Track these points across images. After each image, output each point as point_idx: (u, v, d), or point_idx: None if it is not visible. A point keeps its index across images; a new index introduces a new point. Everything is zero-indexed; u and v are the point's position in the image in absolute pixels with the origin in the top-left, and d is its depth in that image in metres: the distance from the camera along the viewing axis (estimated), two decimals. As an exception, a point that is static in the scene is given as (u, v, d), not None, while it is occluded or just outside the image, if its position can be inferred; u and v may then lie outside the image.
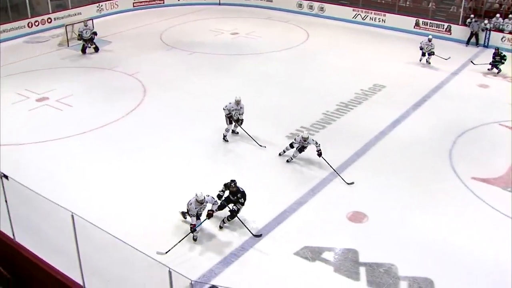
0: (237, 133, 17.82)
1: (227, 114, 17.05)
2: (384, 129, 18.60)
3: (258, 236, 12.62)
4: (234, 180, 12.76)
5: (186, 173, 15.58)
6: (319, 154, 15.61)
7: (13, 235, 11.37)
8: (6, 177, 10.71)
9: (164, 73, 23.97)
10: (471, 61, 25.47)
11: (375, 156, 16.90)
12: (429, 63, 25.22)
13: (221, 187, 12.94)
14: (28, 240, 11.40)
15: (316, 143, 15.60)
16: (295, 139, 15.93)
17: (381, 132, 18.35)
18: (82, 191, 14.53)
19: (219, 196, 12.85)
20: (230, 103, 16.98)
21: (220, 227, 13.02)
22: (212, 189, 12.96)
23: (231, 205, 12.92)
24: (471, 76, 24.18)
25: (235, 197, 12.80)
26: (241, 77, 23.75)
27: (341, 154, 16.74)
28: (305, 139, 15.52)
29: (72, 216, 8.98)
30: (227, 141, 17.51)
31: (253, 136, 17.29)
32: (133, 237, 9.67)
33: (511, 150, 17.12)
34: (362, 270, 11.82)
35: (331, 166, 15.44)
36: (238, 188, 12.76)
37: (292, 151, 16.20)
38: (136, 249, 9.36)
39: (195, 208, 12.30)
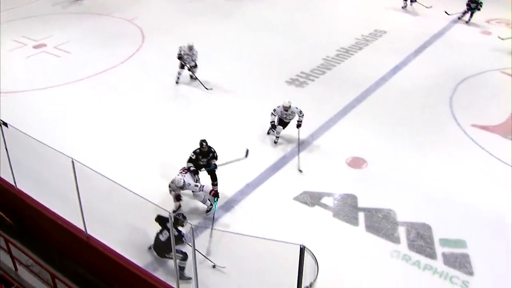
0: (195, 78, 17.50)
1: (178, 57, 16.97)
2: (385, 75, 18.46)
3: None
4: (204, 140, 11.85)
5: (185, 118, 15.54)
6: (299, 125, 13.84)
7: (14, 182, 11.39)
8: (6, 124, 10.61)
9: (162, 19, 23.63)
10: (445, 12, 24.39)
11: (375, 102, 16.82)
12: (405, 6, 25.07)
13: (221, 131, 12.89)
14: (29, 187, 11.42)
15: (300, 112, 13.80)
16: (274, 110, 13.93)
17: (382, 78, 18.23)
18: (82, 138, 14.47)
19: (191, 161, 11.75)
20: (183, 46, 16.87)
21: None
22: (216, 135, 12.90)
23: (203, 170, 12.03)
24: (474, 23, 23.87)
25: (208, 158, 11.93)
26: (241, 23, 23.45)
27: (341, 99, 16.67)
28: (286, 108, 13.67)
29: (73, 162, 8.95)
30: (177, 83, 17.49)
31: (202, 81, 17.31)
32: (134, 184, 9.66)
33: (511, 98, 17.05)
34: (361, 215, 11.91)
35: (298, 144, 14.08)
36: (209, 148, 11.92)
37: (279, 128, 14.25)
38: (138, 195, 9.39)
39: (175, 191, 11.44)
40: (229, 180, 12.11)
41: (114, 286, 10.15)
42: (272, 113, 13.89)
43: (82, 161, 9.05)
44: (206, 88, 17.11)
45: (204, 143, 11.78)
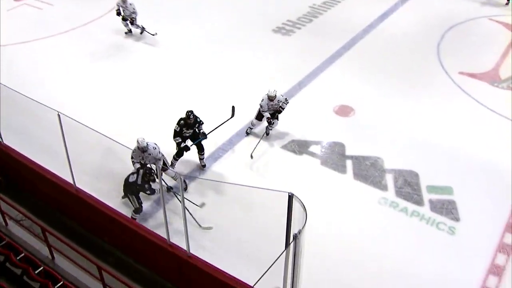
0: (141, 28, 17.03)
1: (117, 9, 16.64)
2: (372, 22, 18.30)
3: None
4: (191, 111, 10.95)
5: (171, 70, 15.40)
6: (279, 112, 12.31)
7: (1, 137, 11.25)
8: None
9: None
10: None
11: (363, 49, 16.71)
12: None
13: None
14: (16, 142, 11.29)
15: (286, 99, 12.31)
16: (261, 106, 12.23)
17: (369, 25, 18.06)
18: (68, 91, 14.30)
19: (176, 134, 11.06)
20: (118, 1, 16.46)
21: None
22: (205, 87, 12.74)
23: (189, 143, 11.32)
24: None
25: (193, 129, 11.17)
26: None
27: (328, 47, 16.54)
28: (272, 98, 12.03)
29: (59, 116, 8.85)
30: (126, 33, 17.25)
31: (147, 31, 16.97)
32: (121, 136, 9.61)
33: (499, 45, 17.00)
34: (349, 163, 11.96)
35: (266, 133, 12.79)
36: (195, 119, 11.04)
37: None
38: (125, 146, 9.37)
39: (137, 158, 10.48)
40: (217, 130, 12.07)
41: (105, 238, 10.19)
42: (260, 110, 12.24)
43: (68, 114, 8.94)
44: (152, 34, 16.82)
45: (192, 115, 10.90)
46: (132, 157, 10.25)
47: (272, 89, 11.95)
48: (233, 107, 11.69)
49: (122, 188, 10.16)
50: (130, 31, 17.15)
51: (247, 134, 12.76)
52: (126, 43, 16.82)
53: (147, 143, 10.15)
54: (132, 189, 9.93)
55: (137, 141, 10.09)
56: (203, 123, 11.19)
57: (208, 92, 14.22)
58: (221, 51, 16.42)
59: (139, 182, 9.79)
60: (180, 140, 11.06)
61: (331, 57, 16.08)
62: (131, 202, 10.09)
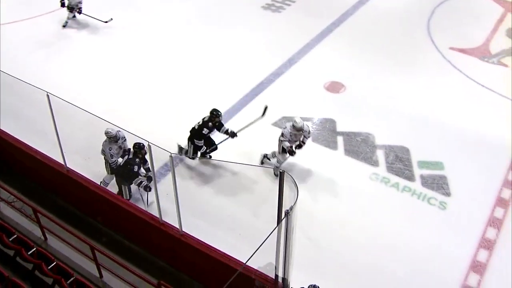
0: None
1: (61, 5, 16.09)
2: (362, -2, 18.23)
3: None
4: (216, 110, 10.58)
5: (163, 45, 15.31)
6: (300, 146, 10.67)
7: (-11, 119, 11.19)
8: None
9: None
10: None
11: (353, 25, 16.65)
12: None
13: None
14: (5, 123, 11.20)
15: (309, 132, 10.70)
16: (282, 135, 10.52)
17: (359, 1, 17.97)
18: (58, 71, 14.17)
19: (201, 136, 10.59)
20: None
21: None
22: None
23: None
24: None
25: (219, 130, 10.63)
26: None
27: (318, 24, 16.48)
28: (299, 129, 10.35)
29: (48, 96, 8.77)
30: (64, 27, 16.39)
31: (99, 19, 16.30)
32: (111, 115, 9.58)
33: (489, 20, 16.98)
34: (340, 139, 11.98)
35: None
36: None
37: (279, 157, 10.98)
38: (114, 125, 9.34)
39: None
40: (207, 107, 12.01)
41: (97, 218, 10.19)
42: (281, 140, 10.50)
43: (57, 94, 8.86)
44: (105, 22, 16.18)
45: (219, 114, 10.50)
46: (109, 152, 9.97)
47: (298, 119, 10.28)
48: (265, 107, 10.89)
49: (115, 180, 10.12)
50: (66, 23, 16.39)
51: (276, 175, 10.42)
52: (113, 22, 16.53)
53: (117, 131, 9.81)
54: (124, 173, 9.78)
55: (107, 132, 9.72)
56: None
57: (199, 70, 14.15)
58: (210, 28, 16.29)
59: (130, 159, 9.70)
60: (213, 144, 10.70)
61: (321, 33, 16.02)
62: (123, 194, 10.03)
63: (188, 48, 15.22)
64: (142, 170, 9.81)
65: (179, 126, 11.60)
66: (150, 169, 8.80)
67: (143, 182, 9.59)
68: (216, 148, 10.83)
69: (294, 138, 10.45)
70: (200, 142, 10.69)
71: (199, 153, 10.92)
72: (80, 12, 16.21)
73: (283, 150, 10.54)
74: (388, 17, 17.13)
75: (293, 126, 10.27)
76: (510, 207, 10.38)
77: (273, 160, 10.91)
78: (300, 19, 16.66)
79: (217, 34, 16.00)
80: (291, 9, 17.50)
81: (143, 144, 9.52)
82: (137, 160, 9.68)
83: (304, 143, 10.60)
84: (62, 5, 16.08)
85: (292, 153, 10.46)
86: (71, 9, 16.17)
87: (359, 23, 16.83)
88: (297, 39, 15.60)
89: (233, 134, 10.63)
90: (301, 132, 10.37)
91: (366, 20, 17.02)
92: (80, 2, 16.16)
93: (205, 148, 10.84)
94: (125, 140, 10.11)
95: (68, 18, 16.24)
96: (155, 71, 14.12)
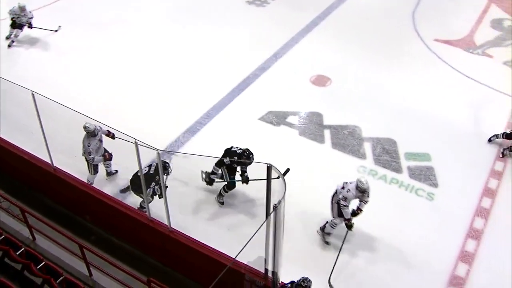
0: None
1: (11, 18, 15.36)
2: (347, -9, 18.22)
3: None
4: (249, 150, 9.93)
5: (147, 42, 15.25)
6: (359, 210, 9.18)
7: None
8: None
9: None
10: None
11: (338, 18, 16.68)
12: None
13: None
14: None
15: (368, 194, 9.12)
16: (345, 199, 8.98)
17: (344, -6, 18.00)
18: (46, 69, 14.11)
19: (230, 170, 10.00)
20: (13, 8, 15.14)
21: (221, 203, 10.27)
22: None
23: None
24: None
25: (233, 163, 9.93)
26: None
27: (303, 17, 16.52)
28: (363, 190, 8.93)
29: (33, 95, 8.71)
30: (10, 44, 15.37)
31: (48, 29, 15.76)
32: (97, 113, 9.53)
33: (473, 11, 17.07)
34: (327, 133, 12.00)
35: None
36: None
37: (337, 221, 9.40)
38: (101, 123, 9.30)
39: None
40: (193, 103, 12.02)
41: (86, 216, 10.15)
42: (343, 205, 8.98)
43: (47, 92, 8.78)
44: (55, 30, 15.88)
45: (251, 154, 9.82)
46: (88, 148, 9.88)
47: (364, 178, 8.95)
48: (287, 170, 9.61)
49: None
50: (13, 42, 15.51)
51: (327, 243, 9.56)
52: (103, 19, 16.39)
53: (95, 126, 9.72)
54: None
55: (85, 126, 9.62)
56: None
57: (184, 66, 14.12)
58: (195, 23, 16.25)
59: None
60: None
61: (306, 27, 16.03)
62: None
63: (173, 44, 15.17)
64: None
65: (166, 121, 11.59)
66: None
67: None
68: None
69: (352, 198, 9.05)
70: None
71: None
72: (31, 27, 15.43)
73: (340, 213, 9.15)
74: (373, 9, 17.17)
75: (358, 186, 8.88)
76: (497, 197, 10.46)
77: (328, 227, 9.49)
78: (285, 13, 16.66)
79: (201, 30, 15.94)
80: (275, 3, 17.49)
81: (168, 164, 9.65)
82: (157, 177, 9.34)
83: (366, 202, 9.12)
84: (13, 24, 15.25)
85: (350, 227, 9.14)
86: (20, 27, 15.32)
87: (344, 16, 16.85)
88: (282, 33, 15.60)
89: (246, 179, 9.83)
90: (366, 194, 9.03)
91: (351, 12, 17.05)
92: (31, 18, 15.36)
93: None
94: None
95: (16, 36, 15.35)
96: (140, 68, 14.06)
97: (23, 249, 8.69)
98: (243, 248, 6.15)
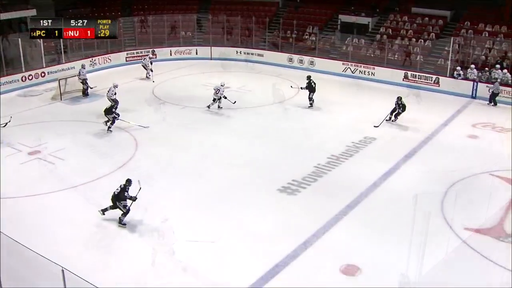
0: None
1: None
2: (376, 181, 18.64)
3: None
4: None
5: (179, 226, 15.52)
6: None
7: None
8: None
9: (155, 127, 23.95)
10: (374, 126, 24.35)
11: (367, 208, 16.91)
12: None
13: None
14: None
15: None
16: None
17: (373, 184, 18.39)
18: (74, 245, 14.41)
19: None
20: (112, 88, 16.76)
21: None
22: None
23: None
24: (461, 127, 24.48)
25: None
26: (232, 131, 23.87)
27: (333, 206, 16.74)
28: None
29: (63, 271, 8.85)
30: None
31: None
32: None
33: (502, 200, 17.21)
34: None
35: None
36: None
37: None
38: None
39: None
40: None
41: None
42: None
43: (73, 268, 8.94)
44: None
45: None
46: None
47: None
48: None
49: None
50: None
51: None
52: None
53: None
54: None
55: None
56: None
57: (212, 250, 14.29)
58: (227, 210, 16.65)
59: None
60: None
61: (336, 215, 16.25)
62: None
63: (205, 228, 15.43)
64: None
65: None
66: None
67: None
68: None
69: None
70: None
71: None
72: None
73: None
74: (402, 199, 17.24)
75: None
76: None
77: None
78: (315, 202, 16.96)
79: (232, 215, 16.32)
80: (306, 192, 17.87)
81: None
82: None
83: None
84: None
85: None
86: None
87: (373, 206, 17.11)
88: (313, 222, 15.80)
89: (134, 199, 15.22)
90: None
91: (380, 202, 17.32)
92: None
93: None
94: None
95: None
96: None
97: None
98: None
